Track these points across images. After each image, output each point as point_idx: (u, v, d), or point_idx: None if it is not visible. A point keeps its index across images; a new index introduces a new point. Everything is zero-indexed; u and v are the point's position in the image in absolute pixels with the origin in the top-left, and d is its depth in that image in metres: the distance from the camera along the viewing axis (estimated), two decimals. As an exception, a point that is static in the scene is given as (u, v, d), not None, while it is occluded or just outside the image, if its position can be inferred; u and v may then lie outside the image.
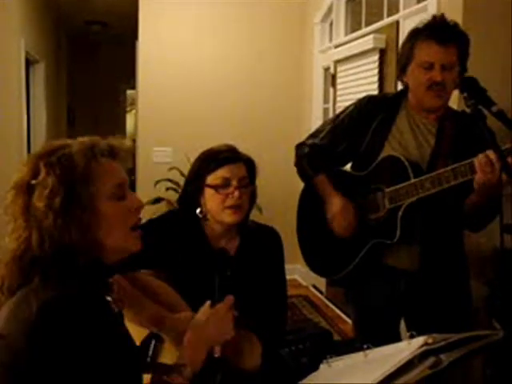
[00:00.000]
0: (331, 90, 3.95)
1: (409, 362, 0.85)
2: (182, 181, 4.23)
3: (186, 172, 4.29)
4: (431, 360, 0.85)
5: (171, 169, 4.10)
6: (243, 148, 1.70)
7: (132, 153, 1.15)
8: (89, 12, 5.93)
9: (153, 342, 1.41)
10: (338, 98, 3.78)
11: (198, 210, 1.58)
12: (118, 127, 8.28)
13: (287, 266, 1.96)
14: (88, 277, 1.01)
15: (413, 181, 1.66)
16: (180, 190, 1.78)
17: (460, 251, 1.83)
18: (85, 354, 0.94)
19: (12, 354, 0.91)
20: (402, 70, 1.78)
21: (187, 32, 4.36)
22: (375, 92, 3.15)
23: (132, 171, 7.60)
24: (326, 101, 4.16)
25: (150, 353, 1.41)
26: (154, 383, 1.40)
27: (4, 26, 3.80)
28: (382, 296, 1.81)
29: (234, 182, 1.54)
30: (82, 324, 0.94)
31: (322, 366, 1.09)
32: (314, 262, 1.94)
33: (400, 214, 1.69)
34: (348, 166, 1.98)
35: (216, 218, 1.56)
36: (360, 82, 3.43)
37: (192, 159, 1.67)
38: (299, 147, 1.95)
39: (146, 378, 1.41)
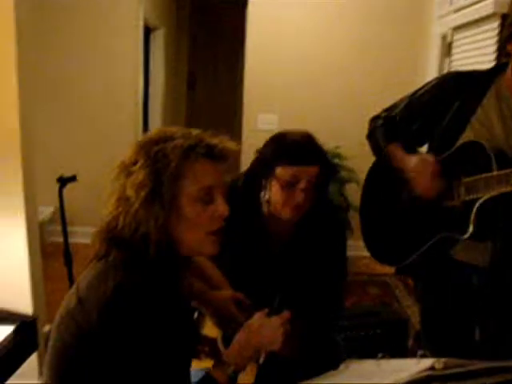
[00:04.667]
0: (447, 60, 3.62)
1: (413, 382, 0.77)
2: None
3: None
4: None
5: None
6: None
7: (237, 154, 1.13)
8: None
9: (196, 314, 1.46)
10: (454, 70, 3.46)
11: (262, 193, 1.52)
12: (236, 92, 8.44)
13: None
14: (161, 265, 1.06)
15: (495, 173, 1.47)
16: None
17: None
18: (148, 337, 1.00)
19: (85, 320, 1.01)
20: (507, 40, 1.54)
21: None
22: (492, 64, 2.83)
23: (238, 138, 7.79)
24: (440, 72, 3.82)
25: (194, 324, 1.46)
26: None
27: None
28: (452, 292, 1.66)
29: (302, 184, 1.44)
30: (150, 309, 1.01)
31: (341, 366, 1.04)
32: (376, 247, 1.83)
33: (475, 208, 1.51)
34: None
35: (274, 208, 1.51)
36: (477, 52, 3.09)
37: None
38: (373, 120, 1.82)
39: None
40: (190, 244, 1.09)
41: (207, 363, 1.34)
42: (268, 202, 1.52)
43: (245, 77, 4.53)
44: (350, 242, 1.87)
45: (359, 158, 3.44)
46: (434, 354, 1.75)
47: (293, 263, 1.55)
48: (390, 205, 1.76)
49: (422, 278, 1.74)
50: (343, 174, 4.01)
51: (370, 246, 1.85)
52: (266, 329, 1.20)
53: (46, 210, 4.08)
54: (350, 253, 4.38)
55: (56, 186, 2.31)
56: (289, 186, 1.44)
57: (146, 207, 1.02)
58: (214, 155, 1.07)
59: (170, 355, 1.04)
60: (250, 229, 1.57)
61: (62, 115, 4.35)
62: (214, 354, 1.39)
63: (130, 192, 1.03)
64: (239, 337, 1.21)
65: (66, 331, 1.04)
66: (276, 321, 1.23)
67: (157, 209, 1.02)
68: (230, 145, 1.10)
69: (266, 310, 1.26)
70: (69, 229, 2.41)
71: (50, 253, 3.41)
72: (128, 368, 1.00)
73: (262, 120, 4.46)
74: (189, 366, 1.22)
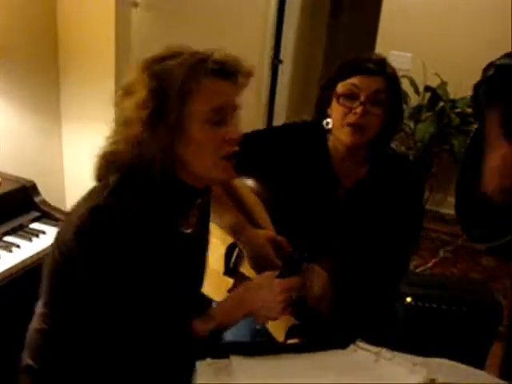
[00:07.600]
0: None
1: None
2: (411, 91, 3.84)
3: (419, 83, 3.85)
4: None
5: (402, 77, 3.72)
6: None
7: (252, 75, 1.02)
8: None
9: (236, 250, 1.38)
10: None
11: (325, 121, 1.39)
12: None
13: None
14: (160, 191, 0.98)
15: None
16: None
17: None
18: (120, 266, 0.93)
19: (65, 239, 0.97)
20: None
21: None
22: None
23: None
24: None
25: (233, 259, 1.38)
26: (233, 289, 1.40)
27: None
28: None
29: (362, 97, 1.28)
30: (127, 236, 0.93)
31: (350, 347, 0.90)
32: (468, 221, 1.55)
33: None
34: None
35: (335, 133, 1.36)
36: None
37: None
38: (486, 69, 1.46)
39: (229, 282, 1.42)
40: (200, 170, 0.99)
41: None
42: (331, 131, 1.38)
43: (383, 6, 4.12)
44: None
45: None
46: None
47: (357, 212, 1.39)
48: None
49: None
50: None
51: (461, 219, 1.57)
52: (264, 292, 1.05)
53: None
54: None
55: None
56: (347, 98, 1.31)
57: (149, 129, 0.93)
58: (226, 72, 0.96)
59: (156, 287, 0.96)
60: (315, 169, 1.42)
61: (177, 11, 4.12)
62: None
63: (130, 113, 0.94)
64: (234, 293, 1.10)
65: (56, 248, 1.00)
66: (278, 285, 1.05)
67: (161, 131, 0.92)
68: (244, 63, 0.98)
69: (275, 273, 1.09)
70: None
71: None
72: (104, 294, 0.93)
73: (393, 57, 4.07)
74: (190, 300, 1.13)
